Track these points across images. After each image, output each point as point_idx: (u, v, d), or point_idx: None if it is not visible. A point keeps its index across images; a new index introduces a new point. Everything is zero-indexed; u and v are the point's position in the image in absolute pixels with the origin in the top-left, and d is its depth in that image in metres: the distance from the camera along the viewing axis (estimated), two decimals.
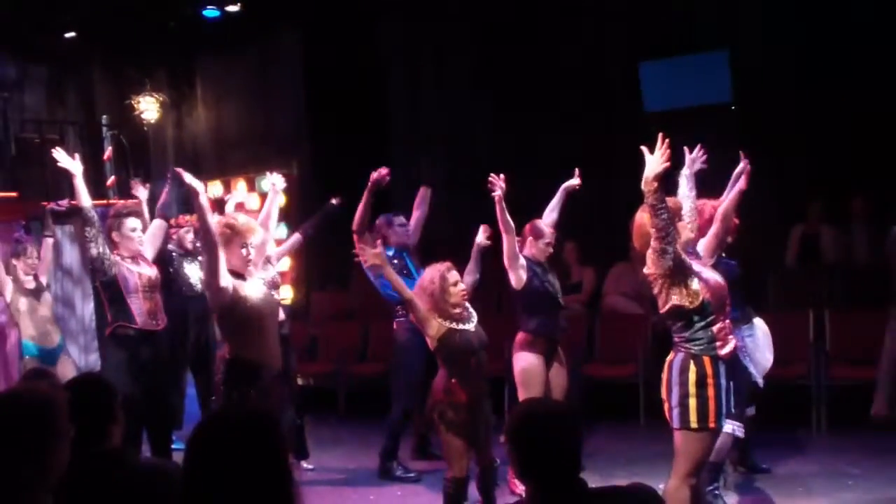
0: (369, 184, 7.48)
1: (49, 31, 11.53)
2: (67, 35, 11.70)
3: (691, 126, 10.27)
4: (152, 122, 12.82)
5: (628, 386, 8.90)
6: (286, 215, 12.11)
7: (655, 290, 5.06)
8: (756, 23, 10.47)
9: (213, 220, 5.69)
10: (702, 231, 5.60)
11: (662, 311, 5.07)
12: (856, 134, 9.69)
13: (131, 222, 6.72)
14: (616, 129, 10.38)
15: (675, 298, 4.96)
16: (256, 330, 5.76)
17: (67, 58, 12.30)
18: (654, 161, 4.74)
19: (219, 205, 10.90)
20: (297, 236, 7.97)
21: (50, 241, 8.54)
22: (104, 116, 12.74)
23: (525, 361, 6.88)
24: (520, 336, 6.95)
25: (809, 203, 10.21)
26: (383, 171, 7.51)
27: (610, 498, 3.04)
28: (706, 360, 4.95)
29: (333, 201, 8.04)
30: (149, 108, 12.64)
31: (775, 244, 10.08)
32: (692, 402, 4.93)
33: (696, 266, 5.03)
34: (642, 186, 4.77)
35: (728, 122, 10.38)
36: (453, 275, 5.89)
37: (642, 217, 5.06)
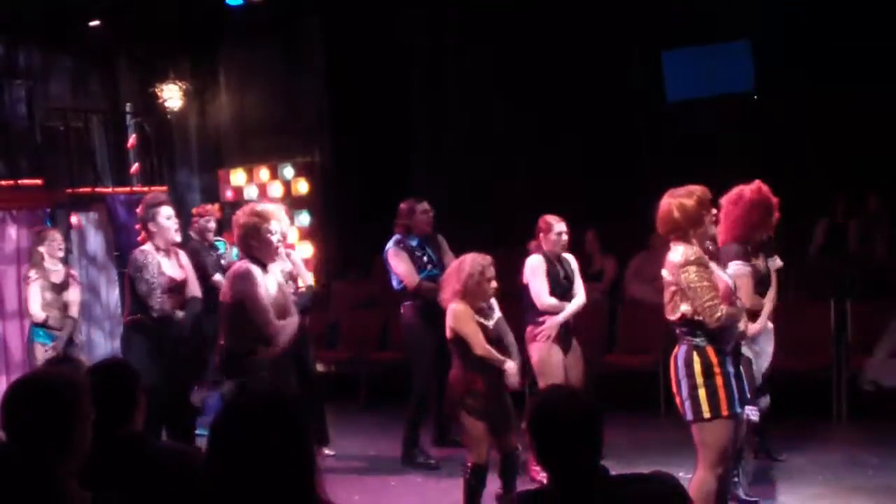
0: None
1: (73, 19, 11.57)
2: (92, 24, 11.74)
3: (713, 115, 10.28)
4: (176, 110, 12.85)
5: (649, 375, 8.87)
6: (309, 203, 12.17)
7: (666, 298, 5.07)
8: (779, 12, 10.40)
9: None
10: (743, 219, 5.72)
11: (671, 317, 5.07)
12: (875, 127, 9.64)
13: (165, 210, 6.63)
14: (638, 118, 10.35)
15: (686, 309, 4.97)
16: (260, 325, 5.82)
17: (92, 46, 12.34)
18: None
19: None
20: None
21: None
22: (128, 104, 12.78)
23: (540, 351, 6.89)
24: (529, 329, 6.95)
25: (834, 195, 10.15)
26: None
27: (631, 485, 3.04)
28: (710, 350, 4.96)
29: None
30: (172, 96, 12.68)
31: (795, 235, 10.03)
32: (701, 392, 4.93)
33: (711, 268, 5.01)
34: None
35: (750, 110, 10.33)
36: (491, 271, 5.90)
37: (669, 203, 5.03)
